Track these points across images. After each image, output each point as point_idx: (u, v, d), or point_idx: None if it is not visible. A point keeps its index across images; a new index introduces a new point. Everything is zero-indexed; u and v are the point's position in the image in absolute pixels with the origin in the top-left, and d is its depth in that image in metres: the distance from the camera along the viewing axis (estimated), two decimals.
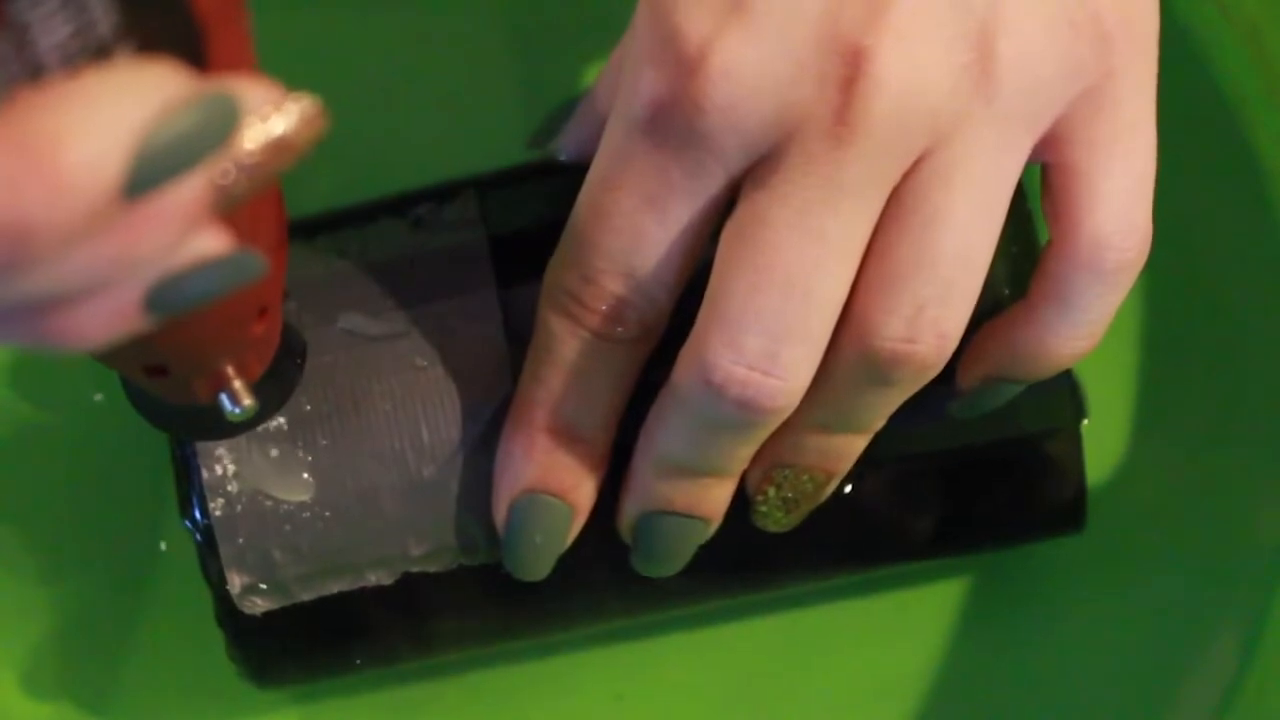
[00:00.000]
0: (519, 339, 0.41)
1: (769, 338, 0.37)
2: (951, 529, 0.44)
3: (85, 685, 0.48)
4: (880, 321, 0.37)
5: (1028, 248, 0.42)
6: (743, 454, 0.40)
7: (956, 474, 0.43)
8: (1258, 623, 0.48)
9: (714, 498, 0.41)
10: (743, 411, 0.38)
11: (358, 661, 0.44)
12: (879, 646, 0.48)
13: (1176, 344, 0.49)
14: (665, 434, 0.40)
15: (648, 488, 0.41)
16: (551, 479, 0.41)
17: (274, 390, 0.39)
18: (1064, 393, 0.43)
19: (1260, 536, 0.48)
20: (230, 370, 0.35)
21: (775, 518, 0.42)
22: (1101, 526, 0.46)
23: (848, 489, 0.43)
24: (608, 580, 0.44)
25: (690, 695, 0.48)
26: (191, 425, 0.38)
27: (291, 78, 0.49)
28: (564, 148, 0.44)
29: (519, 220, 0.43)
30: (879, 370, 0.38)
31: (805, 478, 0.41)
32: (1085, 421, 0.43)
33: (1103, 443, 0.48)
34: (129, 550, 0.48)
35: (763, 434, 0.39)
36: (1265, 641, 0.48)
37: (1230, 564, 0.48)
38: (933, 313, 0.37)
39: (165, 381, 0.35)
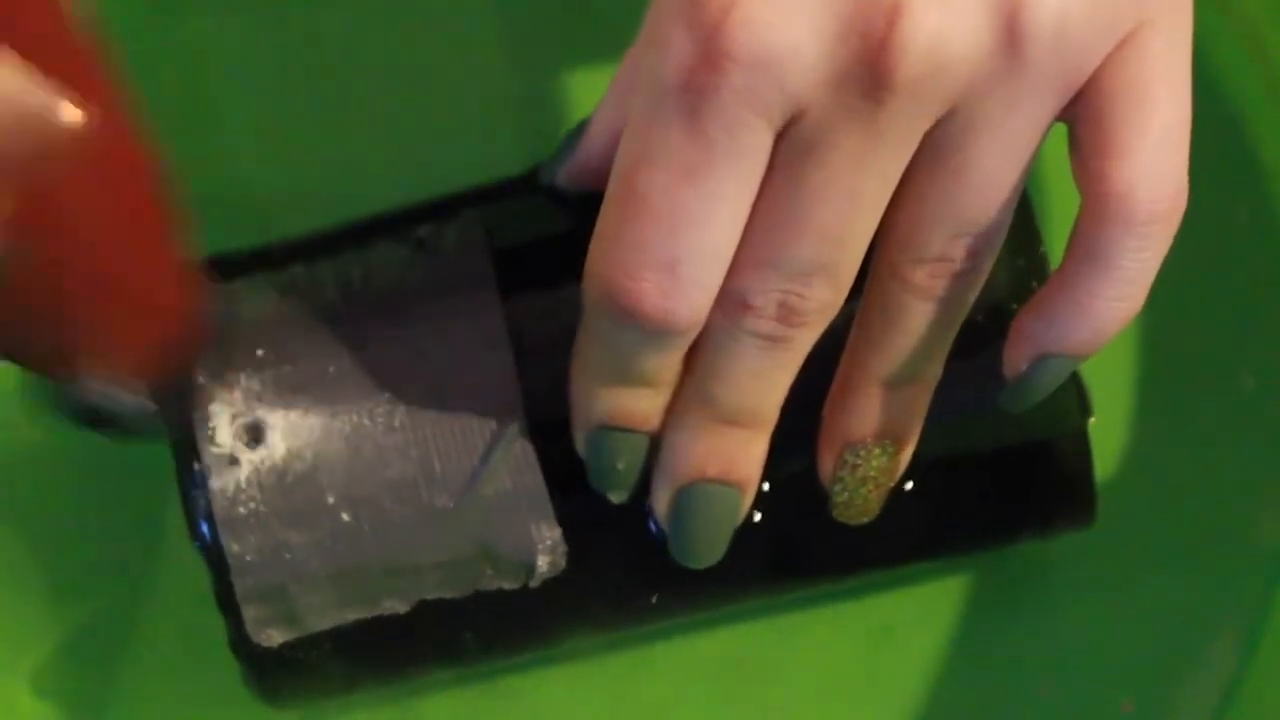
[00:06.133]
0: (528, 362, 0.41)
1: (799, 277, 0.37)
2: (962, 528, 0.45)
3: (92, 692, 0.48)
4: (911, 259, 0.38)
5: (1033, 262, 0.42)
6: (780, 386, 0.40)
7: (966, 474, 0.43)
8: (1258, 623, 0.48)
9: (747, 458, 0.41)
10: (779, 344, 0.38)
11: (373, 684, 0.45)
12: (877, 643, 0.48)
13: (1176, 344, 0.49)
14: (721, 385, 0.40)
15: (684, 458, 0.40)
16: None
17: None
18: (1070, 391, 0.42)
19: (1260, 536, 0.49)
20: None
21: (856, 505, 0.42)
22: (1101, 527, 0.46)
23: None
24: (621, 602, 0.44)
25: (685, 692, 0.48)
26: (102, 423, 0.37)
27: (287, 86, 0.50)
28: (565, 173, 0.43)
29: (522, 239, 0.43)
30: (916, 297, 0.39)
31: (876, 451, 0.41)
32: (1092, 420, 0.43)
33: (1102, 444, 0.48)
34: (134, 555, 0.48)
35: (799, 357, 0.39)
36: (1265, 641, 0.48)
37: (1230, 564, 0.48)
38: (964, 241, 0.38)
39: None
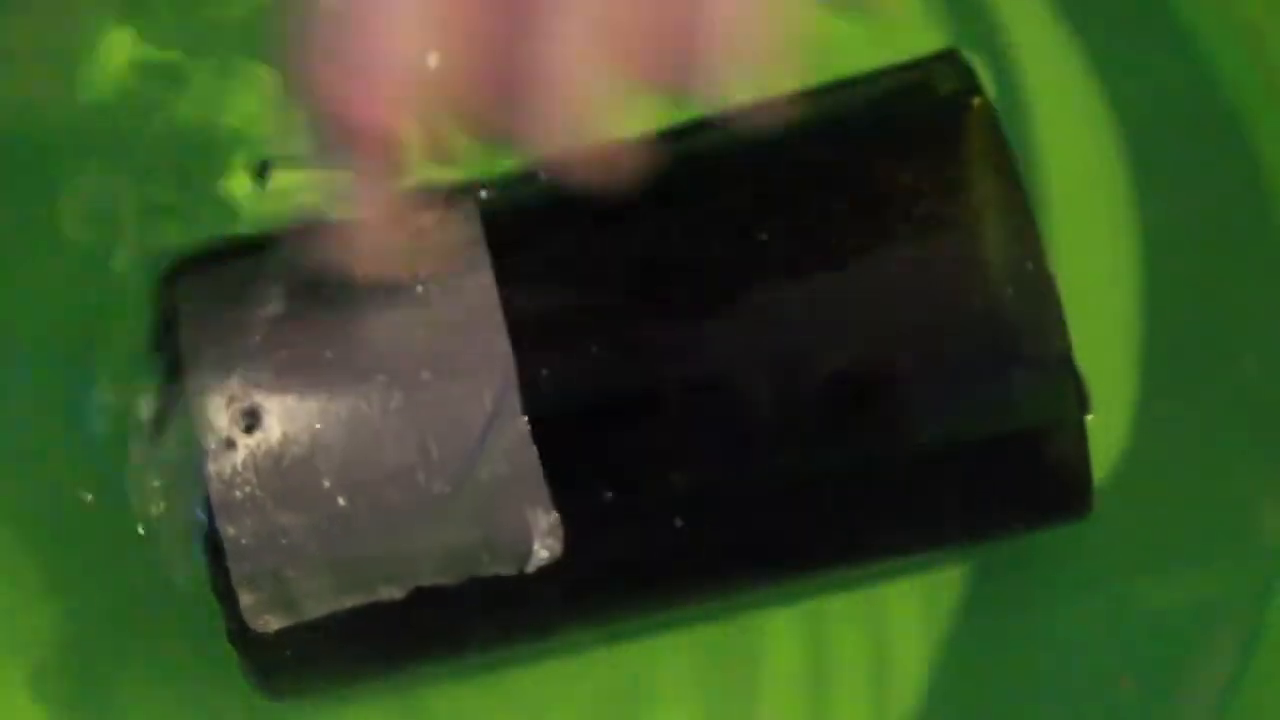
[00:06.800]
0: (524, 346, 0.41)
1: None
2: (957, 519, 0.45)
3: (92, 692, 0.48)
4: None
5: (1028, 246, 0.42)
6: None
7: (961, 465, 0.43)
8: (1258, 623, 0.48)
9: None
10: None
11: (371, 674, 0.45)
12: (873, 642, 0.48)
13: (1176, 344, 0.49)
14: None
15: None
16: None
17: None
18: (1068, 386, 0.42)
19: (1260, 536, 0.48)
20: None
21: None
22: (1100, 526, 0.46)
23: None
24: (618, 590, 0.44)
25: (686, 690, 0.48)
26: None
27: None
28: None
29: (519, 228, 0.43)
30: None
31: None
32: (1089, 416, 0.43)
33: (1102, 444, 0.48)
34: (133, 554, 0.48)
35: None
36: (1265, 641, 0.48)
37: (1230, 564, 0.48)
38: None
39: None
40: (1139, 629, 0.48)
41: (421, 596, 0.42)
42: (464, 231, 0.43)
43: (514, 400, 0.41)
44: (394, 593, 0.42)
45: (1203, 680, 0.48)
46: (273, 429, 0.41)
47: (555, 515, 0.42)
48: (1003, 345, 0.41)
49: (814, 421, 0.42)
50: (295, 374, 0.41)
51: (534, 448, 0.41)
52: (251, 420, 0.41)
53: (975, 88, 0.43)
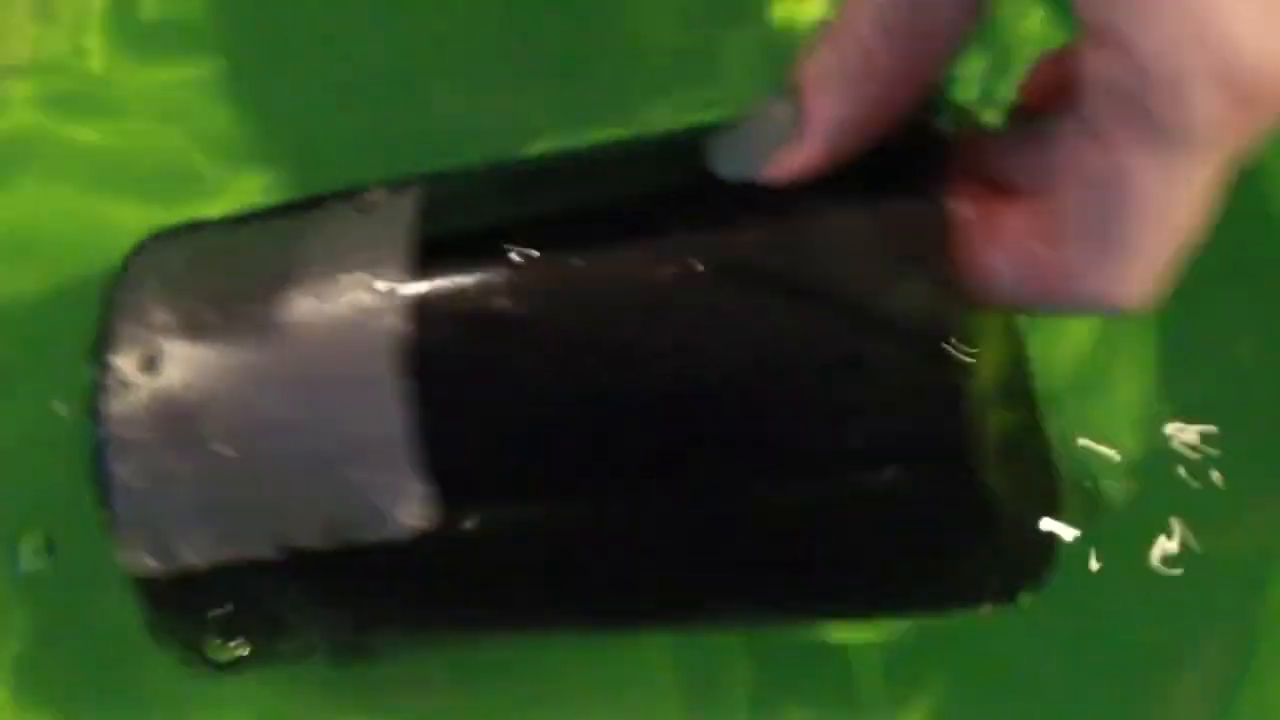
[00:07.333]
0: (416, 317, 0.41)
1: None
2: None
3: (91, 692, 0.49)
4: None
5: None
6: None
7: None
8: (1257, 623, 0.47)
9: None
10: None
11: (256, 636, 0.44)
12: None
13: (1175, 344, 0.49)
14: None
15: None
16: None
17: None
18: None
19: (1258, 536, 0.48)
20: None
21: None
22: (1100, 527, 0.45)
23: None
24: (496, 569, 0.43)
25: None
26: None
27: (292, 73, 0.52)
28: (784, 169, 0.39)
29: (459, 212, 0.43)
30: None
31: None
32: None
33: (1101, 443, 0.47)
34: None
35: None
36: (1265, 642, 0.47)
37: (1229, 561, 0.47)
38: None
39: None
40: (1139, 629, 0.47)
41: (297, 559, 0.42)
42: (400, 209, 0.43)
43: (398, 365, 0.41)
44: (268, 551, 0.42)
45: (1203, 680, 0.47)
46: (171, 375, 0.42)
47: (431, 485, 0.41)
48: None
49: (711, 452, 0.40)
50: (205, 326, 0.42)
51: (416, 413, 0.40)
52: (153, 364, 0.42)
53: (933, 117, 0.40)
